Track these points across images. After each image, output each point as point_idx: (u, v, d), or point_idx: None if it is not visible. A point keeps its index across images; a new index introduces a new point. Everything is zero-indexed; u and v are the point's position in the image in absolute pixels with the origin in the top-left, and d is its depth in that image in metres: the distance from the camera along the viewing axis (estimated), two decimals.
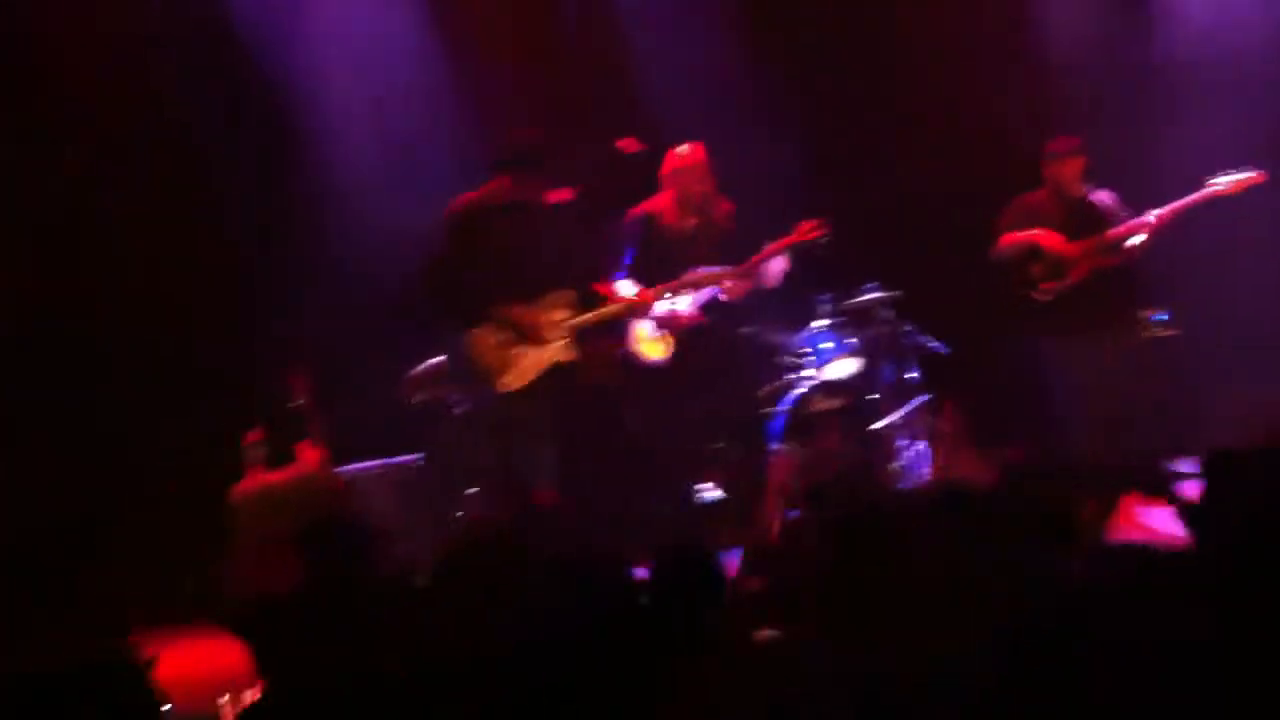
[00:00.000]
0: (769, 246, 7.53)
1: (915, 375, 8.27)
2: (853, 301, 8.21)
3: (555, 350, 7.07)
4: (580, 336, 7.29)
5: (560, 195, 7.21)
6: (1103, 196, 7.70)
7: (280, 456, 7.11)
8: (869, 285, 8.18)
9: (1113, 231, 7.53)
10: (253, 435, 7.08)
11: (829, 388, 7.97)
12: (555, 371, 7.08)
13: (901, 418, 8.16)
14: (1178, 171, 7.74)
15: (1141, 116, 8.44)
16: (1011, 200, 7.83)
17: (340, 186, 8.17)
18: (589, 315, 7.23)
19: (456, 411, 7.63)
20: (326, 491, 7.04)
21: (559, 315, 7.14)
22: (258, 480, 7.06)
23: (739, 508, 7.58)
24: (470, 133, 8.21)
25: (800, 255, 7.67)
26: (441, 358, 7.60)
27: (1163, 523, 6.41)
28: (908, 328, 8.28)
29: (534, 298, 7.08)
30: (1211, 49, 8.49)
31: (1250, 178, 7.42)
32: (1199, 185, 7.47)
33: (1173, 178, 7.71)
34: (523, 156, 7.20)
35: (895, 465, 8.10)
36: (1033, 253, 7.68)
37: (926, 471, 8.11)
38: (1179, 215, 7.45)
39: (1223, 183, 7.43)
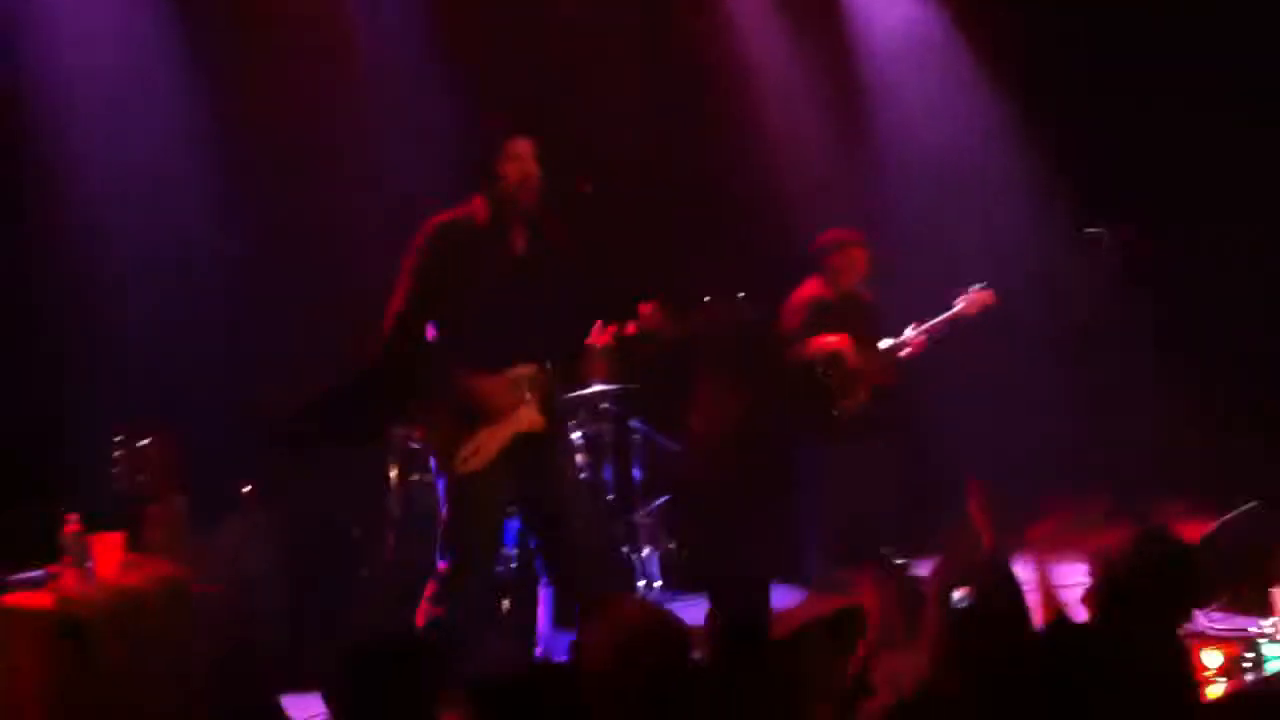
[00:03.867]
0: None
1: (640, 475, 7.95)
2: (575, 394, 7.77)
3: (517, 419, 5.39)
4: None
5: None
6: (870, 297, 7.29)
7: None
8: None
9: (890, 346, 7.21)
10: (70, 522, 4.92)
11: None
12: (518, 445, 5.40)
13: (636, 520, 7.83)
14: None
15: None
16: (793, 295, 7.14)
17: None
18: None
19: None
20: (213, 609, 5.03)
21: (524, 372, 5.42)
22: (96, 586, 4.84)
23: None
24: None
25: None
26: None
27: None
28: (635, 423, 7.94)
29: (503, 364, 5.35)
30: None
31: (985, 298, 7.24)
32: (947, 303, 7.33)
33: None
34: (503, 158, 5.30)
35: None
36: (833, 361, 7.04)
37: (657, 577, 7.83)
38: (935, 336, 7.25)
39: (962, 303, 7.24)
